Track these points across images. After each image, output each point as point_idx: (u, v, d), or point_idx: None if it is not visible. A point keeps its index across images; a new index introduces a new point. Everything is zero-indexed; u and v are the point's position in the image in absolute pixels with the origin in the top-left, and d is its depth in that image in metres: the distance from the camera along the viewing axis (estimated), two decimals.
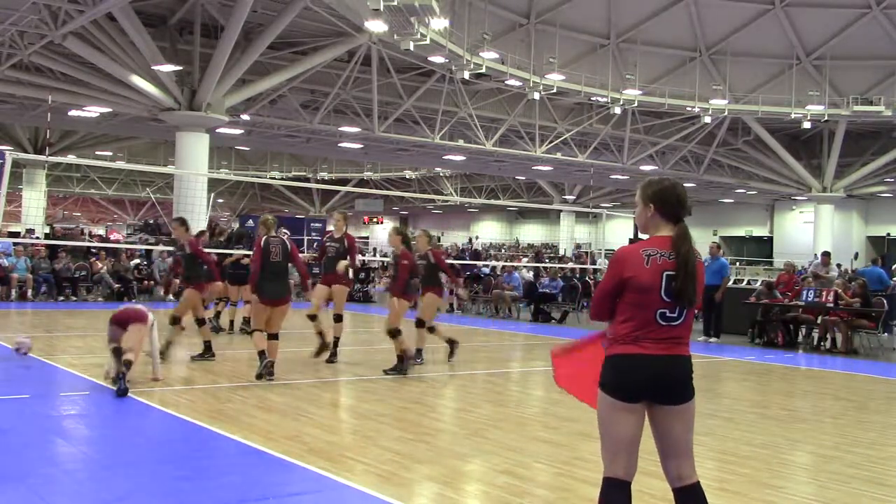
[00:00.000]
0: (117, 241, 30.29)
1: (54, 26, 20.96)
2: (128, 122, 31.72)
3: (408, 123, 33.10)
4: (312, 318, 10.35)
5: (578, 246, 44.77)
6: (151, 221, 45.68)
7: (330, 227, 17.52)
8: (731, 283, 17.13)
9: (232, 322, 13.76)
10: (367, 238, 61.97)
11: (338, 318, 10.53)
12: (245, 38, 24.39)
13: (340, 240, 10.46)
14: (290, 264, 9.31)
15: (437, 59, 25.61)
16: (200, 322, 10.23)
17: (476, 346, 14.17)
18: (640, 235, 3.70)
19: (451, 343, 10.82)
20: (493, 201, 57.76)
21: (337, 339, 10.51)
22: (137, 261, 22.63)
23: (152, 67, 23.32)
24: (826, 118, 34.27)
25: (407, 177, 54.10)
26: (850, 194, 42.13)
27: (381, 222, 68.31)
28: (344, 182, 52.85)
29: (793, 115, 33.62)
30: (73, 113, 30.02)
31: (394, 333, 9.60)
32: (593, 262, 26.47)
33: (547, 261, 27.59)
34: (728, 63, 33.82)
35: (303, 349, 10.90)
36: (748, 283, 21.60)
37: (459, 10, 26.81)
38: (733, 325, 15.91)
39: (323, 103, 29.99)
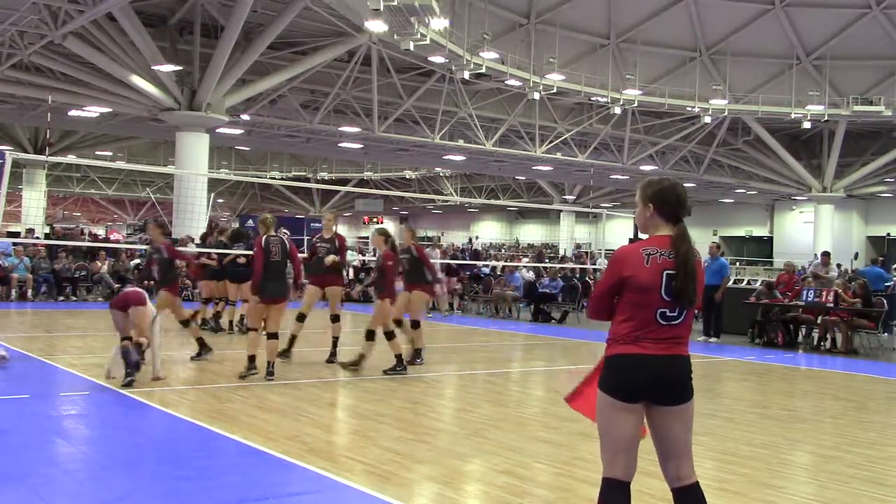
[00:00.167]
0: (117, 241, 30.29)
1: (54, 26, 20.97)
2: (128, 122, 31.73)
3: (408, 123, 33.11)
4: (301, 318, 10.31)
5: (578, 246, 44.78)
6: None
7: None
8: (731, 283, 17.12)
9: (231, 322, 13.76)
10: (368, 238, 61.94)
11: (335, 319, 10.49)
12: (245, 38, 24.40)
13: (331, 240, 10.41)
14: (287, 262, 9.30)
15: (437, 59, 25.62)
16: (185, 324, 10.16)
17: (476, 346, 14.17)
18: (640, 235, 3.69)
19: (418, 352, 10.54)
20: (493, 201, 57.79)
21: (336, 339, 10.48)
22: (137, 261, 22.60)
23: (152, 67, 23.33)
24: (826, 118, 34.29)
25: (407, 177, 54.11)
26: (850, 194, 42.14)
27: (381, 222, 68.27)
28: (344, 182, 52.86)
29: (793, 115, 33.64)
30: (73, 113, 30.02)
31: (389, 335, 9.51)
32: (593, 262, 26.45)
33: (547, 261, 27.56)
34: (728, 63, 33.83)
35: (303, 349, 10.90)
36: (748, 283, 21.58)
37: (459, 10, 26.81)
38: (733, 325, 15.90)
39: (323, 103, 30.00)
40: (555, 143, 35.85)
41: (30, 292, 19.55)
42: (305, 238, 28.11)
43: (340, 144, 36.90)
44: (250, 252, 11.42)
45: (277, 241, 9.06)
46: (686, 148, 38.51)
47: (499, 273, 23.19)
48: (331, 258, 10.21)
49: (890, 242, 45.51)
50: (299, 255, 10.13)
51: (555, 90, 30.46)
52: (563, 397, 3.93)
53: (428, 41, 22.82)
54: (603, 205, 49.59)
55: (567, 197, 55.11)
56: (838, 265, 23.37)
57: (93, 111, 29.57)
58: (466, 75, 27.17)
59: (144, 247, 22.81)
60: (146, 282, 11.44)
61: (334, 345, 10.42)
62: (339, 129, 32.37)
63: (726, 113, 34.34)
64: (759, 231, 52.98)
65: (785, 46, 33.59)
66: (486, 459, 5.84)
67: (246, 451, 5.85)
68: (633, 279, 3.43)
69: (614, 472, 3.46)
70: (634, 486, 3.54)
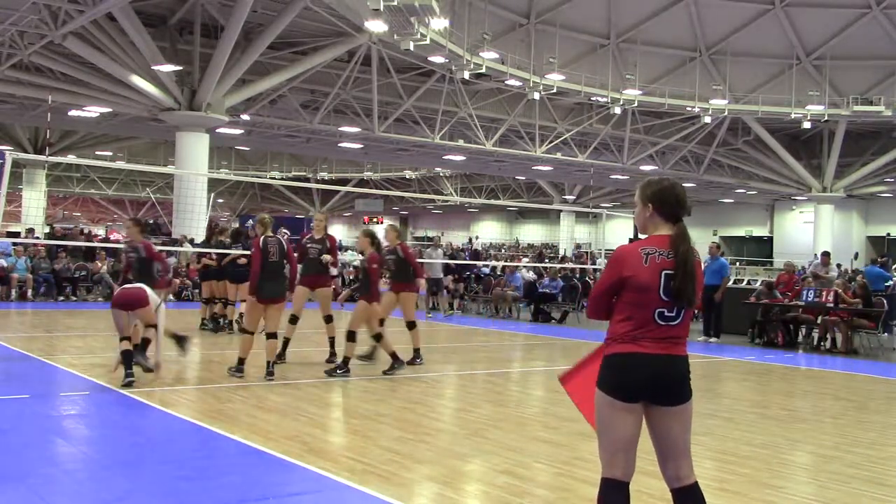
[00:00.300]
0: (117, 242, 30.28)
1: (54, 26, 20.97)
2: (128, 122, 31.74)
3: (408, 123, 33.12)
4: (293, 320, 10.24)
5: (578, 246, 44.79)
6: (151, 221, 45.62)
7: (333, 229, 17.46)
8: (731, 283, 17.12)
9: (231, 322, 13.76)
10: None
11: (328, 319, 10.41)
12: (245, 38, 24.41)
13: (322, 241, 10.33)
14: (285, 262, 9.28)
15: (437, 59, 25.62)
16: (154, 327, 9.61)
17: (476, 346, 14.17)
18: (640, 235, 3.69)
19: (416, 352, 10.48)
20: (493, 201, 57.79)
21: (332, 339, 10.40)
22: None
23: (152, 67, 23.33)
24: (826, 118, 34.29)
25: (407, 177, 54.11)
26: (850, 194, 42.14)
27: (381, 222, 68.26)
28: (344, 182, 52.86)
29: (793, 115, 33.64)
30: (73, 113, 30.03)
31: (351, 336, 9.39)
32: (593, 262, 26.45)
33: (547, 261, 27.56)
34: (728, 63, 33.84)
35: (303, 349, 10.90)
36: (748, 283, 21.58)
37: (459, 10, 26.82)
38: (733, 325, 15.90)
39: (323, 103, 30.00)
40: (555, 143, 35.85)
41: (30, 292, 19.55)
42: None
43: (340, 144, 36.91)
44: (249, 252, 11.38)
45: (275, 242, 9.06)
46: (686, 148, 38.51)
47: (499, 273, 23.18)
48: (328, 258, 10.20)
49: (890, 242, 45.51)
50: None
51: (555, 90, 30.46)
52: (559, 377, 3.95)
53: (428, 41, 22.82)
54: (603, 205, 49.60)
55: (567, 197, 55.11)
56: (838, 265, 23.38)
57: (93, 111, 29.58)
58: (466, 75, 27.18)
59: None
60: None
61: (331, 344, 10.39)
62: (339, 129, 32.37)
63: (726, 113, 34.34)
64: (759, 231, 52.98)
65: (785, 46, 33.60)
66: (486, 459, 5.84)
67: (246, 451, 5.85)
68: (632, 279, 3.43)
69: (613, 472, 3.46)
70: (634, 486, 3.54)
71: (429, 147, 35.38)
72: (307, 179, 52.97)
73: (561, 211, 54.04)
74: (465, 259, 27.19)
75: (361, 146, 37.34)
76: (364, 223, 64.84)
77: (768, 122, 35.93)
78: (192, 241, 21.55)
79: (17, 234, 26.48)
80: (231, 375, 8.83)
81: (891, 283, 18.25)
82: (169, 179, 45.82)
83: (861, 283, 14.92)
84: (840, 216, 43.59)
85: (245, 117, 29.59)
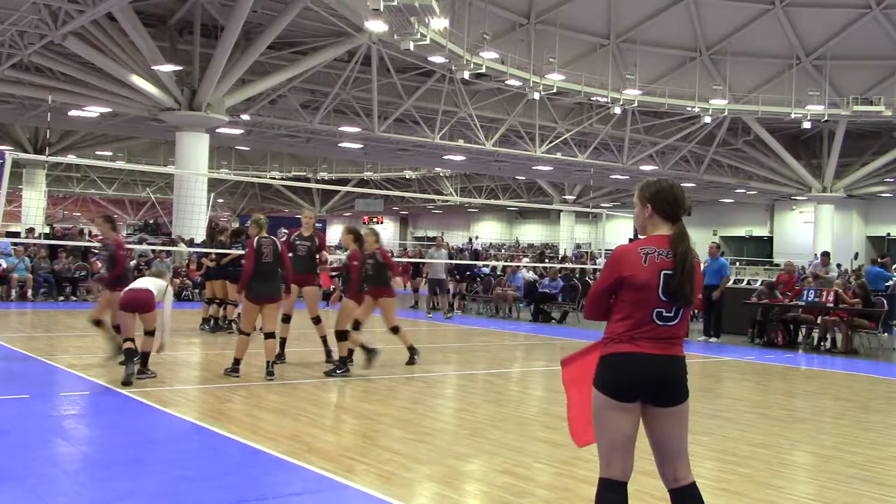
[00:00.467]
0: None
1: (54, 26, 20.97)
2: (128, 122, 31.74)
3: (408, 123, 33.13)
4: (286, 319, 10.18)
5: (578, 246, 44.79)
6: (151, 221, 45.62)
7: (329, 228, 17.46)
8: (730, 283, 17.12)
9: (231, 321, 13.75)
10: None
11: (316, 321, 10.24)
12: (245, 38, 24.41)
13: (311, 238, 10.24)
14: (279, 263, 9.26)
15: (437, 59, 25.63)
16: (116, 328, 9.38)
17: (476, 346, 14.17)
18: (640, 236, 3.69)
19: (412, 350, 10.33)
20: (493, 201, 57.80)
21: (324, 339, 10.25)
22: (135, 261, 22.61)
23: (152, 67, 23.34)
24: (826, 118, 34.31)
25: (407, 177, 54.12)
26: (850, 194, 42.15)
27: (381, 222, 68.28)
28: (344, 182, 52.86)
29: (793, 115, 33.65)
30: (73, 113, 30.04)
31: (341, 335, 9.36)
32: (594, 263, 26.46)
33: (547, 261, 27.58)
34: (728, 63, 33.85)
35: (302, 349, 10.90)
36: (748, 283, 21.59)
37: (459, 10, 26.83)
38: (733, 325, 15.89)
39: (323, 103, 30.01)
40: (555, 143, 35.86)
41: (30, 292, 19.55)
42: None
43: (340, 144, 36.91)
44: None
45: (269, 243, 9.03)
46: (686, 148, 38.52)
47: (499, 273, 23.16)
48: (327, 256, 10.17)
49: (890, 242, 45.52)
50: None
51: (555, 90, 30.47)
52: (561, 359, 3.97)
53: (428, 41, 22.83)
54: (603, 205, 49.61)
55: (567, 197, 55.12)
56: (838, 265, 23.39)
57: (93, 111, 29.59)
58: (466, 75, 27.18)
59: (145, 247, 22.86)
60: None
61: (324, 343, 10.29)
62: (339, 129, 32.39)
63: (726, 113, 34.35)
64: (759, 231, 52.99)
65: (785, 46, 33.61)
66: (486, 459, 5.84)
67: (246, 451, 5.85)
68: (630, 278, 3.42)
69: (611, 472, 3.46)
70: (633, 487, 3.54)
71: (429, 147, 35.39)
72: (307, 179, 52.98)
73: (561, 211, 54.06)
74: (466, 259, 27.20)
75: (361, 146, 37.35)
76: (364, 223, 64.91)
77: (768, 122, 35.93)
78: (191, 242, 21.55)
79: (17, 234, 26.48)
80: (227, 375, 8.84)
81: (891, 282, 18.24)
82: (169, 179, 45.84)
83: (860, 283, 14.92)
84: (840, 216, 43.60)
85: (245, 117, 29.60)
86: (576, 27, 31.71)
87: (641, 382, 3.42)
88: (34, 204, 36.77)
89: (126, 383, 8.08)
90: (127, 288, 8.70)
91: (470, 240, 54.81)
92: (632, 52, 32.68)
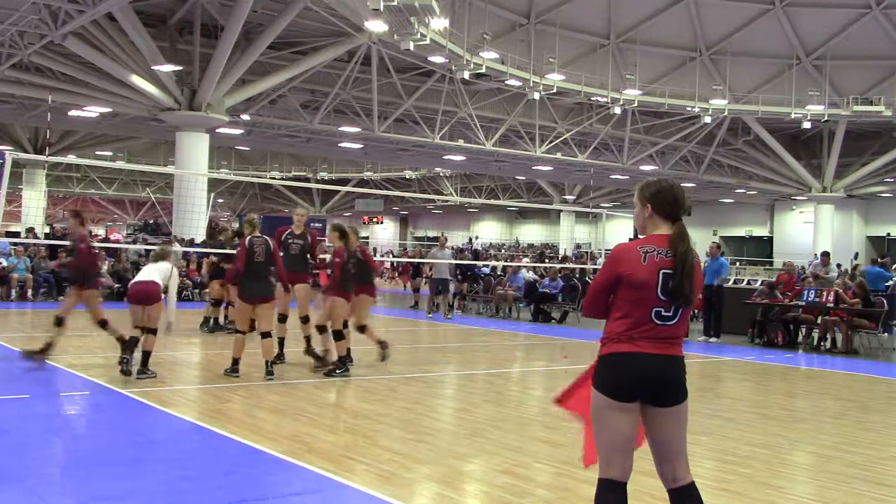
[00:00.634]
0: (117, 241, 30.29)
1: (54, 26, 20.98)
2: (128, 122, 31.75)
3: (408, 123, 33.13)
4: (282, 319, 10.09)
5: (578, 246, 44.79)
6: (151, 221, 45.61)
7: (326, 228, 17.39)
8: (730, 282, 17.12)
9: (230, 321, 13.73)
10: (368, 238, 62.00)
11: (305, 320, 10.08)
12: (245, 38, 24.42)
13: (303, 236, 10.11)
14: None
15: (437, 59, 25.64)
16: (102, 324, 9.33)
17: (476, 346, 14.17)
18: (640, 236, 3.69)
19: (382, 344, 10.07)
20: (493, 201, 57.79)
21: (308, 338, 10.07)
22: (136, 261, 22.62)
23: (152, 67, 23.34)
24: (826, 118, 34.31)
25: (407, 177, 54.13)
26: (850, 194, 42.15)
27: (381, 222, 68.27)
28: (344, 182, 52.87)
29: (793, 115, 33.66)
30: (73, 113, 30.05)
31: (338, 335, 9.33)
32: (594, 262, 26.46)
33: (547, 261, 27.57)
34: (728, 63, 33.85)
35: (301, 349, 10.88)
36: (748, 283, 21.59)
37: (459, 10, 26.83)
38: (733, 325, 15.89)
39: (323, 103, 30.02)
40: (555, 143, 35.87)
41: (30, 292, 19.55)
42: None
43: (340, 144, 36.92)
44: None
45: (262, 243, 9.01)
46: (686, 148, 38.52)
47: (499, 273, 23.15)
48: (326, 257, 10.15)
49: (890, 242, 45.53)
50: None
51: (555, 90, 30.47)
52: (553, 398, 3.91)
53: (428, 41, 22.84)
54: (603, 205, 49.61)
55: (567, 197, 55.13)
56: (838, 265, 23.38)
57: (93, 111, 29.60)
58: (466, 75, 27.19)
59: (146, 247, 22.82)
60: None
61: (307, 342, 10.07)
62: (339, 129, 32.39)
63: (726, 113, 34.35)
64: (759, 231, 53.00)
65: (785, 46, 33.61)
66: (486, 459, 5.84)
67: (246, 451, 5.85)
68: (629, 276, 3.42)
69: (611, 472, 3.45)
70: (633, 487, 3.54)
71: (429, 147, 35.39)
72: (307, 179, 52.99)
73: (561, 211, 54.06)
74: (468, 259, 27.18)
75: (361, 146, 37.35)
76: (364, 223, 64.91)
77: (768, 122, 35.93)
78: (191, 242, 21.55)
79: (17, 234, 26.48)
80: (227, 376, 8.83)
81: (891, 282, 18.24)
82: (169, 179, 45.84)
83: (859, 283, 14.92)
84: (840, 216, 43.61)
85: (245, 117, 29.61)
86: (576, 27, 31.71)
87: (641, 382, 3.42)
88: (34, 204, 36.79)
89: (125, 373, 8.20)
90: (133, 280, 8.81)
91: (470, 240, 54.83)
92: (632, 52, 32.68)
